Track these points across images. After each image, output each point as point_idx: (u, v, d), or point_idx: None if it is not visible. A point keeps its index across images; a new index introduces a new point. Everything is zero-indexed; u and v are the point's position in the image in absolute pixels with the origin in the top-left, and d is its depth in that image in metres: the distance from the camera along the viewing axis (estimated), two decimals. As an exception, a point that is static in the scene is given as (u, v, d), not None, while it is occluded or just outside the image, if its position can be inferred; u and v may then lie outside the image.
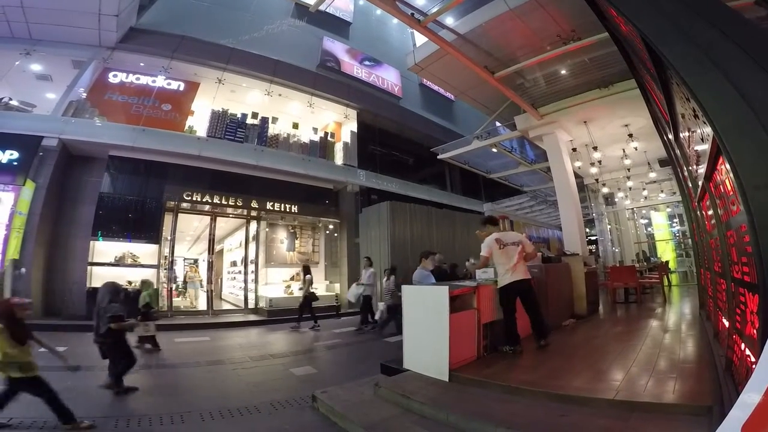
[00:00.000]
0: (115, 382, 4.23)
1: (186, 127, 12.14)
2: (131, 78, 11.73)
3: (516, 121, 9.49)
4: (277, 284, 12.36)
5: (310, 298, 9.25)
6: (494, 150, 11.17)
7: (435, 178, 18.58)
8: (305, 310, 9.22)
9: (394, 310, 7.38)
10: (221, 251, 16.11)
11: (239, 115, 13.31)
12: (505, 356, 4.32)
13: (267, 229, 12.72)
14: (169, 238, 11.17)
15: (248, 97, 13.74)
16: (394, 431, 2.98)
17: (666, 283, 9.03)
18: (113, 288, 4.51)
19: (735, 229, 1.95)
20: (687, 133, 2.79)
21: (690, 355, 3.88)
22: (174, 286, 11.66)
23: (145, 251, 10.68)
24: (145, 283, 7.34)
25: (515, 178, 14.53)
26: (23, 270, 8.63)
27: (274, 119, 14.20)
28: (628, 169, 11.39)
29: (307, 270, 9.55)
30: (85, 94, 11.13)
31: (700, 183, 2.82)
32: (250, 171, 12.47)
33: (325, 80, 14.89)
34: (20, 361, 3.20)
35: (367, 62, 17.18)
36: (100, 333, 4.24)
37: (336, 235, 14.24)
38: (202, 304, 12.25)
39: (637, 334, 4.99)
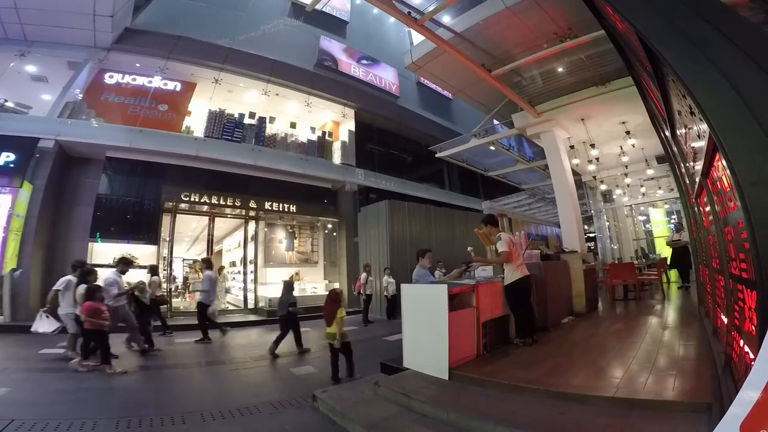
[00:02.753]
0: (298, 346, 6.41)
1: (183, 128, 12.11)
2: (127, 79, 11.68)
3: (513, 119, 9.49)
4: (277, 284, 12.32)
5: (158, 301, 8.22)
6: (492, 148, 11.17)
7: (433, 177, 18.58)
8: (156, 315, 8.06)
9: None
10: (220, 251, 16.09)
11: (236, 115, 13.28)
12: (505, 354, 4.34)
13: (266, 229, 12.71)
14: (167, 239, 11.15)
15: (245, 97, 13.70)
16: (395, 430, 2.98)
17: (665, 279, 9.05)
18: (290, 285, 6.75)
19: (732, 225, 1.95)
20: (684, 130, 2.80)
21: (689, 352, 3.89)
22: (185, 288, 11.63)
23: (144, 252, 10.65)
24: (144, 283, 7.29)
25: (513, 175, 14.55)
26: (20, 271, 8.60)
27: (272, 119, 14.18)
28: (626, 166, 11.40)
29: (154, 271, 8.43)
30: (81, 96, 11.09)
31: (697, 179, 2.82)
32: (248, 171, 12.45)
33: (322, 79, 14.86)
34: (342, 332, 4.66)
35: (364, 61, 17.15)
36: (280, 314, 6.47)
37: (335, 234, 14.24)
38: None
39: (637, 331, 5.00)
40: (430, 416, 3.11)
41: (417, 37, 11.77)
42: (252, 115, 13.73)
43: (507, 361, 4.09)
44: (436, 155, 12.36)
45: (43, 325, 5.82)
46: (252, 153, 12.47)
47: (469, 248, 5.35)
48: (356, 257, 12.84)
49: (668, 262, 9.27)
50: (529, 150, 12.25)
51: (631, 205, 15.44)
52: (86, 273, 5.73)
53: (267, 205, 12.56)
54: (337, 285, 13.33)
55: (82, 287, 5.44)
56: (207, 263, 8.12)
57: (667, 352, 3.91)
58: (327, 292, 5.32)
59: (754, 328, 1.70)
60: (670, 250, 9.20)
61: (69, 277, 5.88)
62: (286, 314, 6.41)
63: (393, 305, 9.89)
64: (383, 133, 16.90)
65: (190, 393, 4.51)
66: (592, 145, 9.66)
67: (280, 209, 12.82)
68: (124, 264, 6.45)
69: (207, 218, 12.48)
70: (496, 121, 10.85)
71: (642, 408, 2.66)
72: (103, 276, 6.10)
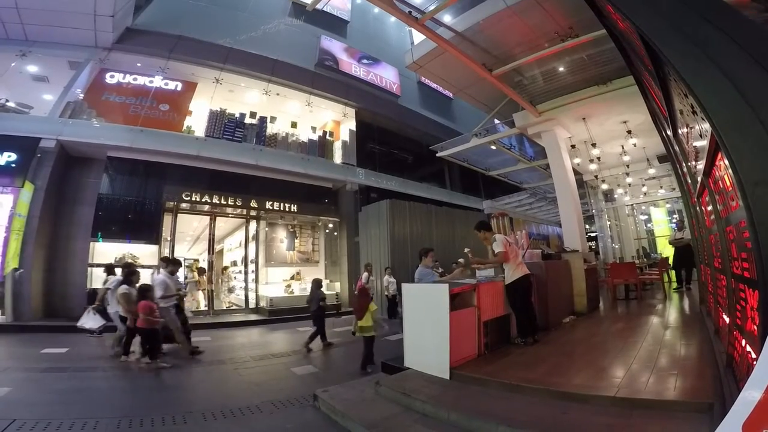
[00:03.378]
0: (308, 342, 6.60)
1: (184, 128, 12.12)
2: (128, 78, 11.69)
3: (514, 119, 9.47)
4: (278, 284, 12.37)
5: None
6: (493, 147, 11.15)
7: (434, 176, 18.56)
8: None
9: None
10: (221, 251, 16.11)
11: (237, 115, 13.28)
12: (506, 353, 4.34)
13: (267, 229, 12.72)
14: (168, 238, 11.17)
15: (246, 97, 13.71)
16: (396, 430, 2.98)
17: (666, 279, 9.02)
18: (319, 282, 7.15)
19: (734, 224, 1.95)
20: (685, 129, 2.79)
21: (691, 352, 3.88)
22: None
23: (145, 252, 10.68)
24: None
25: (514, 175, 14.52)
26: (21, 271, 8.61)
27: (273, 119, 14.17)
28: (627, 166, 11.37)
29: (109, 270, 6.98)
30: (82, 95, 11.10)
31: (699, 179, 2.82)
32: (249, 171, 12.45)
33: (323, 79, 14.85)
34: (373, 325, 4.95)
35: (365, 60, 17.13)
36: (312, 309, 6.86)
37: (336, 233, 14.24)
38: (202, 305, 12.24)
39: (638, 331, 4.99)
40: (431, 416, 3.11)
41: (418, 37, 11.75)
42: (253, 114, 13.73)
43: (508, 361, 4.09)
44: (437, 154, 12.35)
45: (90, 321, 6.22)
46: (253, 153, 12.48)
47: (467, 249, 5.34)
48: (357, 257, 12.83)
49: (670, 262, 9.24)
50: (530, 149, 12.22)
51: (632, 205, 15.40)
52: (130, 274, 5.98)
53: (268, 205, 12.57)
54: (338, 285, 13.36)
55: (123, 287, 5.69)
56: (166, 262, 7.24)
57: (669, 351, 3.91)
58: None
59: (756, 327, 1.70)
60: (673, 249, 9.17)
61: (118, 277, 6.21)
62: (317, 310, 6.83)
63: (394, 305, 9.88)
64: (384, 133, 16.89)
65: (191, 392, 4.52)
66: (594, 145, 9.63)
67: (281, 209, 12.82)
68: (174, 264, 6.47)
69: (208, 218, 12.49)
70: (497, 121, 10.83)
71: (643, 408, 2.66)
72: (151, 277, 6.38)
